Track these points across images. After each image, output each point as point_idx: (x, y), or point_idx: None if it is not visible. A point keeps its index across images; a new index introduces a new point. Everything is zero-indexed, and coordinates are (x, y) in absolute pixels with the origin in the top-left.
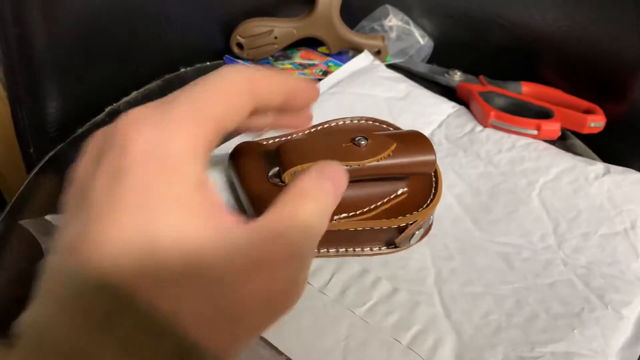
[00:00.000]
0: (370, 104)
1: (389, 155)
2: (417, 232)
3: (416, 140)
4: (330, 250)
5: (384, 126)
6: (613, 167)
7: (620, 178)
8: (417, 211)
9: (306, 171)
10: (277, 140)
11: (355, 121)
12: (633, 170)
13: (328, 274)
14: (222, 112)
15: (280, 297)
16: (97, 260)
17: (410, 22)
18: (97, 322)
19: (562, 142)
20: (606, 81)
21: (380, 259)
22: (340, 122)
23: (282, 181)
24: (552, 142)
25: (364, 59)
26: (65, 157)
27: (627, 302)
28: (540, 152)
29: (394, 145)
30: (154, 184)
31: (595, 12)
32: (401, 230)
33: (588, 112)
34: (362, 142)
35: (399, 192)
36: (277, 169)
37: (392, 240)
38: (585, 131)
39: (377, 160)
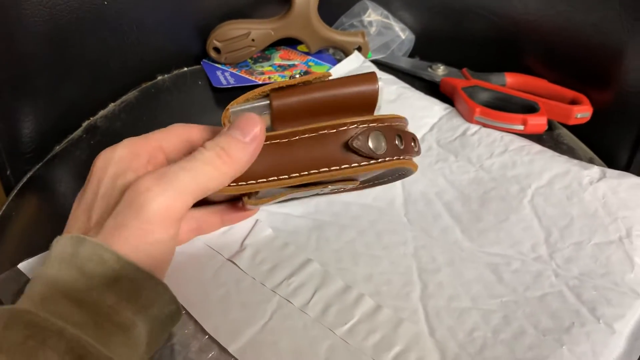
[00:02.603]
0: None
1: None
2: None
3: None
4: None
5: None
6: (609, 171)
7: (616, 183)
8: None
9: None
10: None
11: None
12: (630, 174)
13: (310, 291)
14: (164, 138)
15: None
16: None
17: (390, 16)
18: (68, 257)
19: (549, 132)
20: (591, 70)
21: (364, 273)
22: None
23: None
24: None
25: (355, 60)
26: (43, 177)
27: (620, 316)
28: (533, 156)
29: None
30: (102, 178)
31: (578, 0)
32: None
33: (574, 102)
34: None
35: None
36: None
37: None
38: (572, 122)
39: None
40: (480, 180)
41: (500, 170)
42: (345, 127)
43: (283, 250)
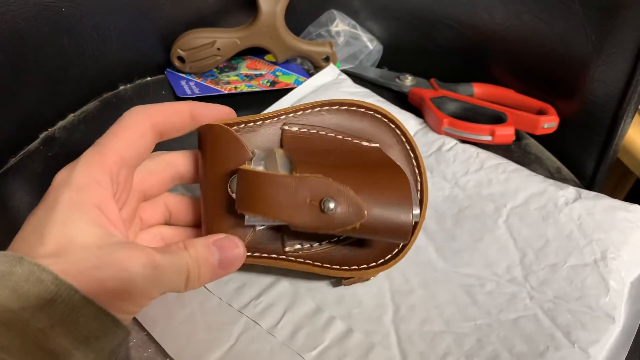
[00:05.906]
0: None
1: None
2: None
3: (395, 200)
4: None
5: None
6: (585, 192)
7: (592, 204)
8: (358, 268)
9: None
10: (258, 123)
11: (334, 119)
12: (605, 196)
13: (279, 312)
14: (123, 145)
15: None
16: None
17: (358, 26)
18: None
19: (517, 142)
20: (557, 80)
21: (335, 295)
22: (319, 116)
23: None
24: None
25: (330, 73)
26: None
27: (595, 341)
28: (509, 174)
29: (365, 217)
30: (58, 200)
31: (543, 11)
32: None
33: (541, 112)
34: (331, 207)
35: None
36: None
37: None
38: (539, 132)
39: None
40: (455, 197)
41: (476, 188)
42: None
43: (251, 267)
